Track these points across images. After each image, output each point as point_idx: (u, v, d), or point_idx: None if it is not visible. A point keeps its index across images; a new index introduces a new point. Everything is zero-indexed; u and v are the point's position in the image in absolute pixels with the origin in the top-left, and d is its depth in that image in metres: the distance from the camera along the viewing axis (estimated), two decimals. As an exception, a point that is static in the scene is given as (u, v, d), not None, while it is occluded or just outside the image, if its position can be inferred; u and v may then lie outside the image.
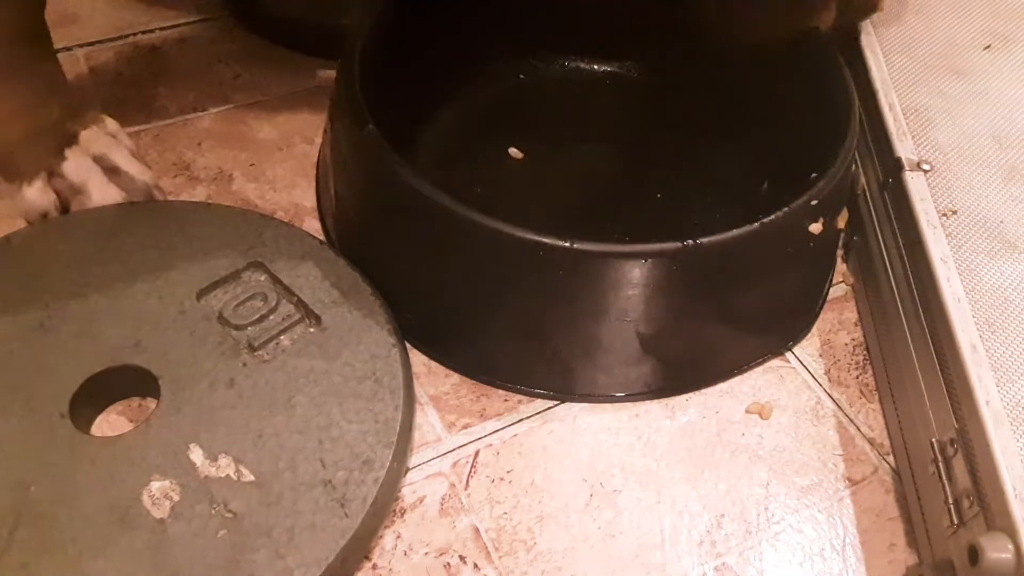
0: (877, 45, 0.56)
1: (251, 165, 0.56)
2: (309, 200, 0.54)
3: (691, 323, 0.45)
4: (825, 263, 0.52)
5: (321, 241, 0.48)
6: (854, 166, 0.50)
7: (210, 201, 0.53)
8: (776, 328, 0.49)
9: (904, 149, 0.49)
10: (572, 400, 0.45)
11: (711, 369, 0.47)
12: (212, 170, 0.55)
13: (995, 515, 0.35)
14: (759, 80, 0.55)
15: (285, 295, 0.45)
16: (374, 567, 0.38)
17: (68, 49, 0.62)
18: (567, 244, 0.40)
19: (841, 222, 0.48)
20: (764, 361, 0.48)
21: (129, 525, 0.35)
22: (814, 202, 0.43)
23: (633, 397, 0.46)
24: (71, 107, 0.49)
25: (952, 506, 0.37)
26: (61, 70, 0.49)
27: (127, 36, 0.64)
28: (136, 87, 0.60)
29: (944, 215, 0.46)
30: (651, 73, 0.61)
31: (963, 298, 0.41)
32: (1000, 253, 0.44)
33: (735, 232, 0.41)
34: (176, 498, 0.36)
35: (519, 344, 0.45)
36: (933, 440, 0.40)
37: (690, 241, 0.40)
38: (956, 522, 0.37)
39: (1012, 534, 0.33)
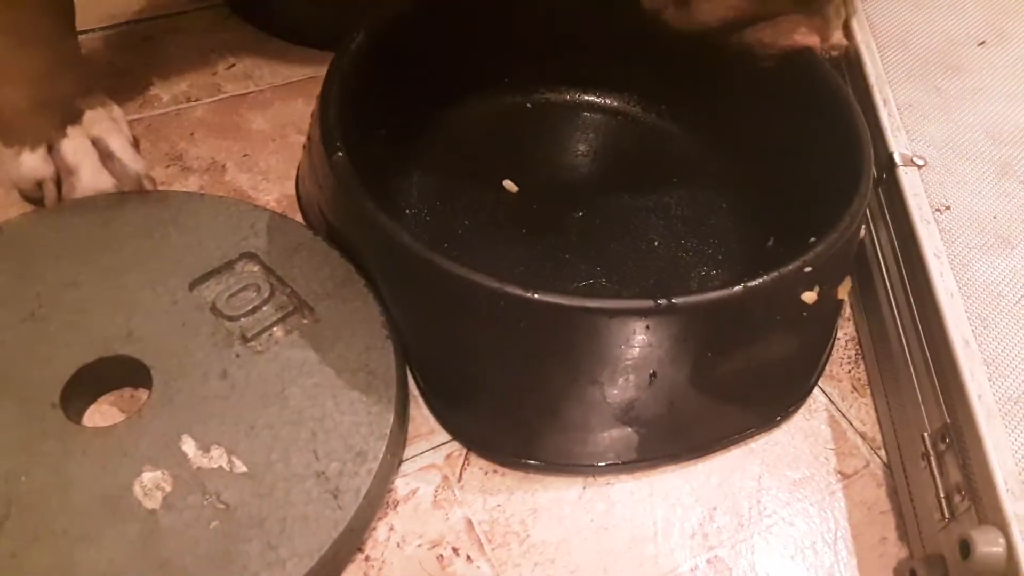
0: (872, 40, 0.56)
1: (244, 156, 0.55)
2: (303, 191, 0.54)
3: (664, 390, 0.40)
4: (821, 335, 0.47)
5: (315, 232, 0.48)
6: (863, 229, 0.46)
7: (203, 192, 0.52)
8: (761, 401, 0.44)
9: (898, 144, 0.49)
10: (535, 469, 0.42)
11: (687, 442, 0.43)
12: (205, 160, 0.55)
13: (986, 509, 0.35)
14: (774, 129, 0.52)
15: (278, 286, 0.45)
16: (367, 559, 0.38)
17: (60, 37, 0.61)
18: (528, 294, 0.36)
19: (842, 292, 0.44)
20: (748, 438, 0.44)
21: (121, 516, 0.35)
22: (808, 269, 0.39)
23: (602, 469, 0.42)
24: (81, 85, 0.49)
25: (943, 500, 0.38)
26: (79, 47, 0.49)
27: (120, 25, 0.63)
28: (128, 76, 0.60)
29: (937, 210, 0.46)
30: (663, 114, 0.58)
31: (956, 293, 0.42)
32: (993, 248, 0.44)
33: (714, 294, 0.38)
34: (168, 489, 0.36)
35: (482, 401, 0.42)
36: (925, 434, 0.40)
37: (663, 300, 0.37)
38: (947, 516, 0.37)
39: (1003, 528, 0.33)
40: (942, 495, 0.38)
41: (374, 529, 0.39)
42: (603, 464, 0.42)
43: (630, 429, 0.41)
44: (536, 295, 0.36)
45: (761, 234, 0.51)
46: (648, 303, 0.37)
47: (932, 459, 0.39)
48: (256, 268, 0.45)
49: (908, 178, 0.47)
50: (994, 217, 0.46)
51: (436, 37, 0.52)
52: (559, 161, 0.56)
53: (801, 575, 0.40)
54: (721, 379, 0.41)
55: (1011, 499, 0.34)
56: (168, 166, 0.54)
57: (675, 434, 0.42)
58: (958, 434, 0.38)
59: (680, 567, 0.40)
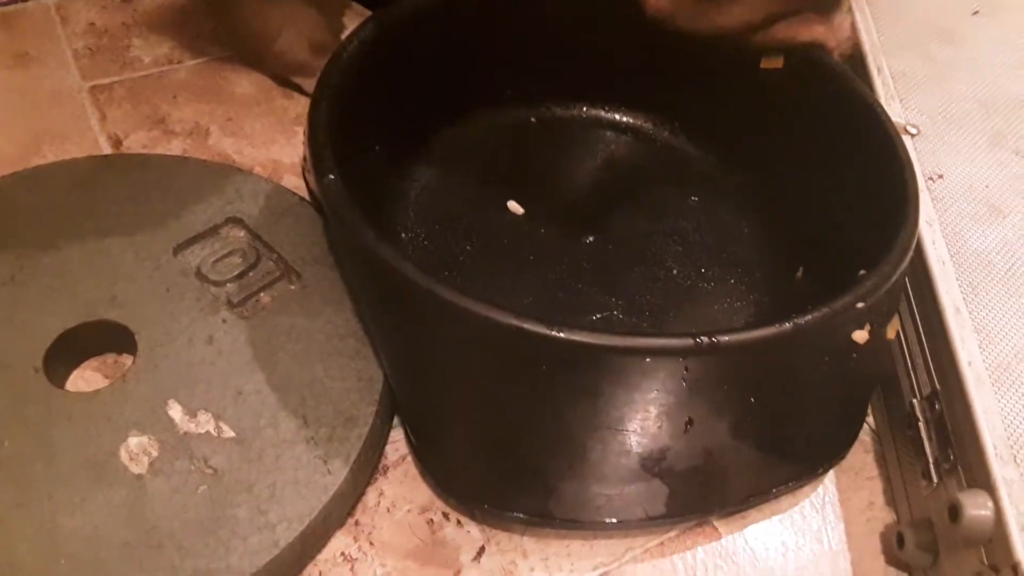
0: (867, 8, 0.55)
1: (228, 119, 0.54)
2: (288, 156, 0.53)
3: (701, 439, 0.36)
4: (867, 380, 0.42)
5: (301, 198, 0.47)
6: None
7: (186, 155, 0.51)
8: (802, 451, 0.40)
9: (892, 113, 0.48)
10: (553, 526, 0.38)
11: (722, 495, 0.39)
12: (188, 124, 0.54)
13: (975, 474, 0.35)
14: (799, 147, 0.48)
15: (265, 252, 0.44)
16: (357, 524, 0.38)
17: (37, -3, 0.60)
18: (552, 332, 0.32)
19: (891, 331, 0.40)
20: (786, 491, 0.40)
21: (106, 481, 0.35)
22: (860, 305, 0.35)
23: (627, 524, 0.37)
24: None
25: (932, 465, 0.38)
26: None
27: (99, -16, 0.62)
28: (109, 38, 0.58)
29: (930, 179, 0.46)
30: (679, 131, 0.54)
31: (947, 261, 0.42)
32: (985, 217, 0.44)
33: (760, 332, 0.34)
34: (155, 454, 0.36)
35: (488, 451, 0.38)
36: (914, 400, 0.40)
37: (704, 338, 0.33)
38: (935, 480, 0.38)
39: (992, 492, 0.34)
40: (930, 460, 0.38)
41: (364, 494, 0.39)
42: (627, 520, 0.37)
43: (659, 482, 0.37)
44: (561, 333, 0.32)
45: (787, 263, 0.47)
46: (688, 342, 0.33)
47: (921, 424, 0.39)
48: (242, 233, 0.44)
49: (901, 146, 0.47)
50: (986, 186, 0.46)
51: (435, 46, 0.48)
52: (567, 181, 0.52)
53: (789, 539, 0.40)
54: (763, 427, 0.37)
55: (999, 463, 0.34)
56: (150, 129, 0.53)
57: (709, 488, 0.38)
58: (948, 400, 0.38)
59: (669, 531, 0.40)
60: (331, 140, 0.39)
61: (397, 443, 0.41)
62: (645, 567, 0.39)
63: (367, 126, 0.45)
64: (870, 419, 0.45)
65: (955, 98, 0.51)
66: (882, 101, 0.49)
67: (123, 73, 0.56)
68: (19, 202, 0.44)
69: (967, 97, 0.51)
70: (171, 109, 0.54)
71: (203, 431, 0.37)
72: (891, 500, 0.42)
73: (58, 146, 0.51)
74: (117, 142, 0.52)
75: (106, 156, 0.47)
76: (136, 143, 0.52)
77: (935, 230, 0.43)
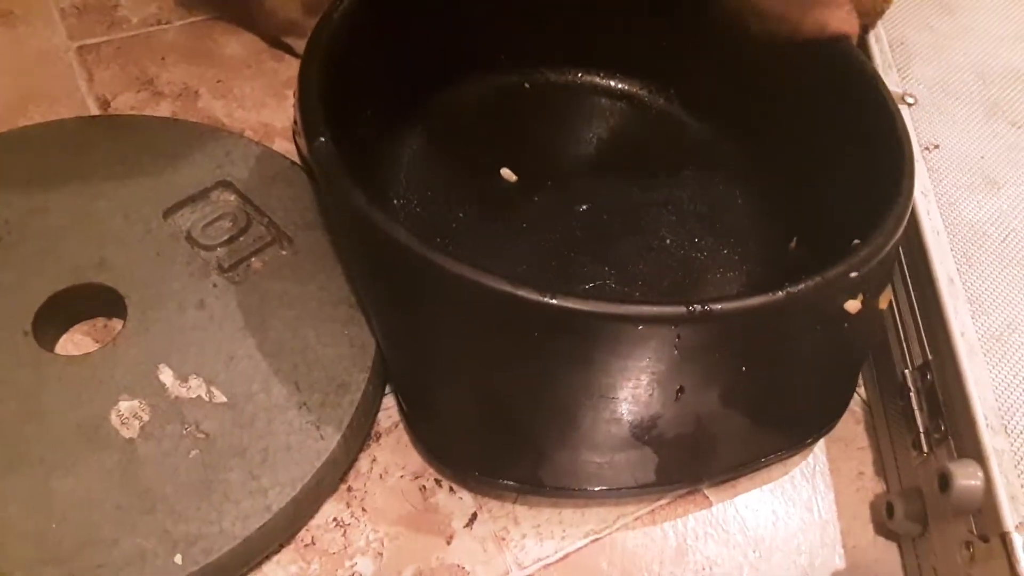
0: (866, -24, 0.55)
1: (218, 82, 0.53)
2: (279, 120, 0.52)
3: (691, 407, 0.36)
4: (859, 350, 0.43)
5: (293, 162, 0.46)
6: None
7: (175, 117, 0.50)
8: (792, 420, 0.40)
9: (889, 82, 0.48)
10: (543, 494, 0.38)
11: (712, 464, 0.39)
12: (177, 86, 0.53)
13: (965, 443, 0.35)
14: (795, 116, 0.47)
15: (256, 216, 0.43)
16: (349, 489, 0.38)
17: (20, -47, 0.58)
18: (545, 298, 0.32)
19: (884, 301, 0.40)
20: (776, 460, 0.40)
21: (98, 444, 0.35)
22: (854, 274, 0.35)
23: (617, 492, 0.38)
24: None
25: (923, 435, 0.38)
26: None
27: (84, -59, 0.60)
28: (95, -4, 0.57)
29: (926, 149, 0.45)
30: (675, 99, 0.53)
31: (942, 231, 0.42)
32: (980, 188, 0.44)
33: (753, 300, 0.34)
34: (146, 418, 0.36)
35: (479, 419, 0.37)
36: (905, 371, 0.40)
37: (697, 306, 0.33)
38: (925, 450, 0.38)
39: (982, 462, 0.34)
40: (921, 430, 0.38)
41: (356, 460, 0.39)
42: (617, 488, 0.37)
43: (649, 450, 0.37)
44: (554, 300, 0.32)
45: (782, 233, 0.47)
46: (680, 310, 0.33)
47: (912, 395, 0.39)
48: (232, 197, 0.44)
49: (898, 116, 0.47)
50: (982, 157, 0.46)
51: (428, 7, 0.47)
52: (561, 148, 0.51)
53: (779, 507, 0.40)
54: (753, 396, 0.37)
55: (990, 433, 0.34)
56: (138, 91, 0.52)
57: (699, 456, 0.38)
58: (940, 370, 0.38)
59: (660, 498, 0.40)
60: (322, 102, 0.38)
61: (390, 410, 0.41)
62: (636, 534, 0.39)
63: (359, 89, 0.44)
64: (861, 389, 0.45)
65: (953, 68, 0.50)
66: (880, 70, 0.49)
67: (111, 33, 0.55)
68: (5, 164, 0.43)
69: (965, 67, 0.51)
70: (159, 70, 0.53)
71: (194, 396, 0.37)
72: (881, 470, 0.42)
73: (45, 107, 0.50)
74: (105, 103, 0.51)
75: (94, 117, 0.47)
76: (124, 104, 0.51)
77: (930, 200, 0.43)
